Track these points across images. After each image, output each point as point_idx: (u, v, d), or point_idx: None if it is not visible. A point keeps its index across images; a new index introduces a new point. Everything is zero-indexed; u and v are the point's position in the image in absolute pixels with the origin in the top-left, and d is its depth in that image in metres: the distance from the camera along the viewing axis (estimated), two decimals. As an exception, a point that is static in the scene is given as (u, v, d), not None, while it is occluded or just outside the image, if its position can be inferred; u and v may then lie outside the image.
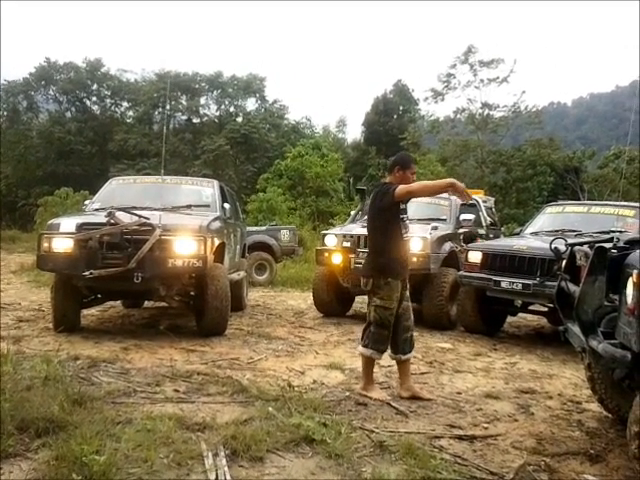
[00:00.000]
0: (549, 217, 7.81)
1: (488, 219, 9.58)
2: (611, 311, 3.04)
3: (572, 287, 3.56)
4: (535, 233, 7.46)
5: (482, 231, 9.05)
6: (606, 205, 7.99)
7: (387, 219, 4.30)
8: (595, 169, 29.47)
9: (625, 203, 8.32)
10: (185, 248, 5.83)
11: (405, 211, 4.38)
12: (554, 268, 5.97)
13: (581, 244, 3.82)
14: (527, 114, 27.00)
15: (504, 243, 7.32)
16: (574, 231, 6.96)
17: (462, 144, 27.34)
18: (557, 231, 7.15)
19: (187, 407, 3.83)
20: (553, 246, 4.01)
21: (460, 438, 3.52)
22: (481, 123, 27.55)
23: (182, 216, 6.54)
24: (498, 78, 26.55)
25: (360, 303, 9.36)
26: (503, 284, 6.46)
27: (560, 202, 9.72)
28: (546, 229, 7.39)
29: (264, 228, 13.55)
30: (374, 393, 4.29)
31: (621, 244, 3.28)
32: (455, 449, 3.33)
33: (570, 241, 4.13)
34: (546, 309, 6.84)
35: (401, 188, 4.17)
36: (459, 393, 4.55)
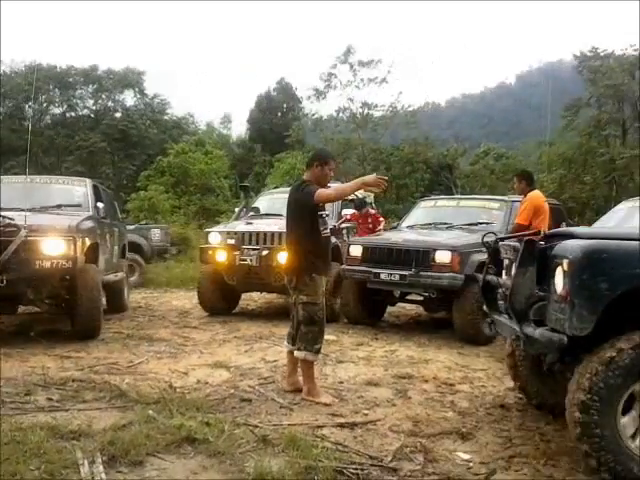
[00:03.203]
0: (423, 211, 8.22)
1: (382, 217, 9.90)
2: (538, 300, 3.18)
3: (498, 280, 3.69)
4: (411, 226, 7.83)
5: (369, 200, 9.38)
6: (474, 199, 8.58)
7: (306, 216, 4.26)
8: (467, 165, 31.43)
9: (491, 197, 8.97)
10: (53, 249, 5.61)
11: (324, 207, 4.39)
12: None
13: (509, 238, 4.02)
14: (404, 113, 28.25)
15: (383, 237, 7.61)
16: (446, 223, 7.40)
17: (344, 142, 28.05)
18: (430, 224, 7.59)
19: (61, 415, 3.65)
20: (485, 240, 4.20)
21: (341, 426, 3.61)
22: (362, 122, 28.44)
23: (50, 216, 6.30)
24: (377, 78, 27.58)
25: (246, 300, 9.35)
26: (382, 276, 6.71)
27: (432, 197, 10.28)
28: (421, 222, 7.79)
29: (133, 227, 12.83)
30: (321, 397, 4.17)
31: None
32: (337, 437, 3.42)
33: (500, 236, 4.30)
34: (422, 298, 7.19)
35: (320, 194, 4.14)
36: (341, 382, 4.66)
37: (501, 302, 3.60)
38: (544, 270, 3.15)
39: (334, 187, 4.42)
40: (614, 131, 23.12)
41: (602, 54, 23.56)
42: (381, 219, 9.03)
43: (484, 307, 4.05)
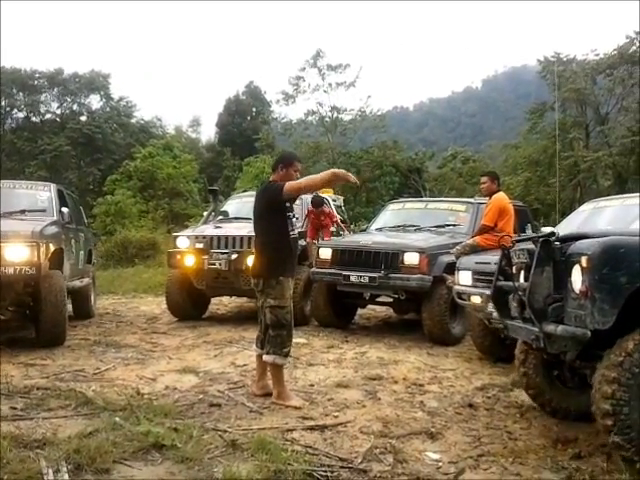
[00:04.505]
0: (392, 214, 8.26)
1: (338, 217, 9.96)
2: (553, 302, 3.22)
3: (514, 284, 3.66)
4: (380, 229, 7.86)
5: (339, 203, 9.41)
6: (441, 201, 8.66)
7: (275, 217, 4.23)
8: (435, 169, 31.79)
9: (457, 199, 9.08)
10: (16, 255, 5.49)
11: (291, 208, 4.36)
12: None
13: (525, 240, 4.04)
14: (373, 117, 28.48)
15: (352, 239, 7.63)
16: (414, 226, 7.47)
17: (314, 146, 28.14)
18: (399, 226, 7.64)
19: (25, 424, 3.55)
20: (502, 243, 4.19)
21: (311, 429, 3.60)
22: (331, 126, 28.57)
23: (13, 222, 6.13)
24: (345, 82, 27.76)
25: (216, 305, 9.28)
26: (352, 278, 6.71)
27: (401, 199, 10.37)
28: (389, 225, 7.84)
29: None
30: (291, 401, 4.14)
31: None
32: (307, 440, 3.41)
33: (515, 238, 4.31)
34: (391, 300, 7.23)
35: (290, 184, 4.13)
36: (312, 385, 4.66)
37: (514, 307, 3.59)
38: (557, 273, 3.22)
39: (304, 178, 4.41)
40: (578, 134, 23.68)
41: (565, 59, 24.12)
42: (335, 218, 9.16)
43: (495, 314, 4.01)
